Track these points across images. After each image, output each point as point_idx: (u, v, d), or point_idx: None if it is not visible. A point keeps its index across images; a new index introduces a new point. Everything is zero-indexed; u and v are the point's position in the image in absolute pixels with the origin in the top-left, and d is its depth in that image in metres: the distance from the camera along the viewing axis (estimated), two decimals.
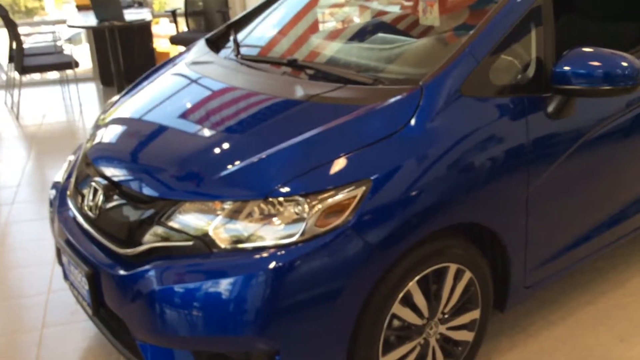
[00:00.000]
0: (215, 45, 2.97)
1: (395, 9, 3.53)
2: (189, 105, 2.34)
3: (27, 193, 4.25)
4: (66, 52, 6.54)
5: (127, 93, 2.73)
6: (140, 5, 7.15)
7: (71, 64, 6.05)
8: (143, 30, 6.80)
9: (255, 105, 2.19)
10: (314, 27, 3.19)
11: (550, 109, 2.21)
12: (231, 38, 2.92)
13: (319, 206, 1.80)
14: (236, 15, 7.21)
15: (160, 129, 2.24)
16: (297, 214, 1.81)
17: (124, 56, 6.39)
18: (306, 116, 2.07)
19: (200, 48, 2.93)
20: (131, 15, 6.34)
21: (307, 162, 1.87)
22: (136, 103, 2.52)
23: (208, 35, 3.10)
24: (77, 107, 6.25)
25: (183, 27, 7.27)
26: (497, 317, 2.51)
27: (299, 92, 2.18)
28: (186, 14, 7.10)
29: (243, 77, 2.42)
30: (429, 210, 1.93)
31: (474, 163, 2.02)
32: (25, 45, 6.26)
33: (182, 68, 2.69)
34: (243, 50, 2.79)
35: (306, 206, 1.80)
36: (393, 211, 1.87)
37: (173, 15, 7.02)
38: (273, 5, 3.18)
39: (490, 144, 2.07)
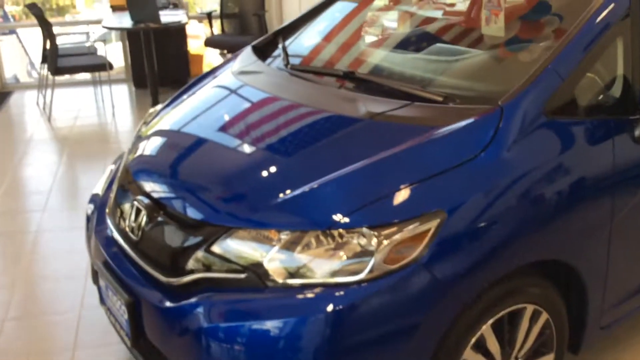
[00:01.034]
0: (262, 53, 2.80)
1: (443, 16, 3.34)
2: (239, 120, 2.16)
3: (59, 200, 4.12)
4: (99, 52, 6.44)
5: (170, 103, 2.57)
6: (176, 6, 7.02)
7: (105, 65, 5.93)
8: (178, 32, 6.67)
9: (312, 123, 2.02)
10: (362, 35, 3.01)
11: (637, 132, 2.00)
12: (280, 46, 2.75)
13: (389, 240, 1.61)
14: (272, 18, 7.10)
15: (210, 145, 2.07)
16: (363, 248, 1.62)
17: (158, 58, 6.25)
18: (370, 137, 1.88)
19: (247, 56, 2.75)
20: (167, 17, 6.21)
21: (374, 189, 1.68)
22: (181, 115, 2.36)
23: (255, 42, 2.93)
24: (109, 110, 6.13)
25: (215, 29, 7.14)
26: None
27: (361, 109, 2.00)
28: (222, 16, 6.96)
29: (295, 90, 2.24)
30: (508, 246, 1.73)
31: (556, 193, 1.82)
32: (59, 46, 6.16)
33: (228, 78, 2.52)
34: (292, 60, 2.61)
35: (374, 240, 1.61)
36: (469, 247, 1.67)
37: (209, 17, 6.88)
38: (323, 12, 3.00)
39: (574, 172, 1.87)
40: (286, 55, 2.64)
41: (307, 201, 1.70)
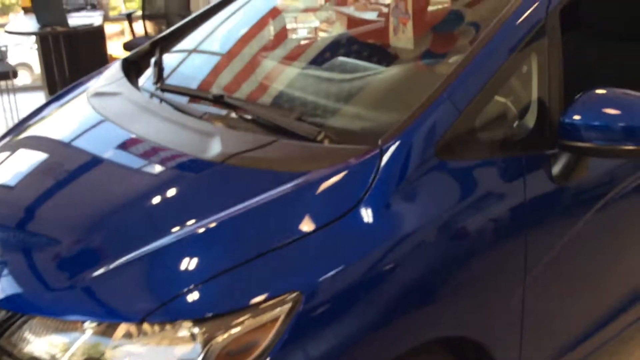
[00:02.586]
0: (137, 68, 2.36)
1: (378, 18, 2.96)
2: (60, 166, 1.71)
3: None
4: (11, 59, 5.88)
5: (8, 133, 2.11)
6: (94, 7, 6.50)
7: (8, 74, 5.39)
8: (95, 35, 6.16)
9: (146, 169, 1.60)
10: (269, 46, 2.57)
11: (555, 170, 1.64)
12: (152, 60, 2.32)
13: (223, 336, 1.21)
14: None
15: (14, 201, 1.63)
16: (187, 346, 1.22)
17: (73, 64, 5.75)
18: (215, 189, 1.47)
19: (113, 72, 2.32)
20: (79, 19, 5.70)
21: (203, 267, 1.28)
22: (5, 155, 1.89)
23: (129, 54, 2.49)
24: (13, 121, 5.59)
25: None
26: None
27: (214, 148, 1.58)
28: (143, 18, 6.46)
29: (146, 121, 1.80)
30: (394, 327, 1.35)
31: (451, 256, 1.45)
32: None
33: (78, 102, 2.07)
34: (168, 79, 2.18)
35: (202, 337, 1.21)
36: (336, 334, 1.28)
37: (128, 19, 6.37)
38: (217, 16, 2.56)
39: (475, 226, 1.49)
40: (158, 71, 2.21)
41: (116, 284, 1.28)
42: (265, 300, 1.23)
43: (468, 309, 1.49)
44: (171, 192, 1.49)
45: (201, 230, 1.32)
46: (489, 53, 1.57)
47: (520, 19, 1.62)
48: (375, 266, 1.33)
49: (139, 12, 6.46)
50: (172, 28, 2.57)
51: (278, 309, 1.23)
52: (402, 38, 2.30)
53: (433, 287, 1.41)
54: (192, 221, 1.34)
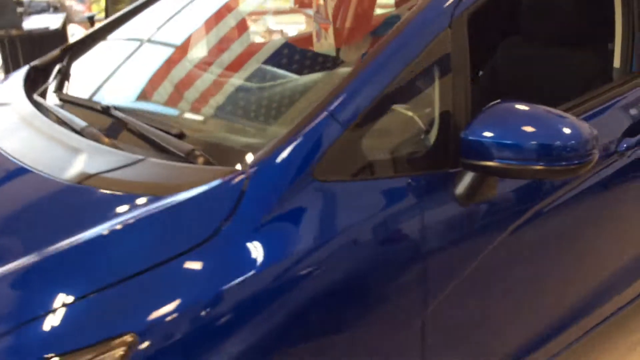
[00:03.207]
0: (45, 75, 2.21)
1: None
2: None
3: None
4: None
5: None
6: (57, 9, 6.35)
7: None
8: (54, 38, 5.99)
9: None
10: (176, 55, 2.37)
11: (459, 190, 1.49)
12: (57, 67, 2.17)
13: None
14: None
15: None
16: None
17: None
18: (61, 214, 1.32)
19: (14, 80, 2.17)
20: (38, 22, 5.55)
21: (18, 307, 1.12)
22: None
23: (37, 60, 2.33)
24: None
25: None
26: None
27: (75, 168, 1.42)
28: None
29: (20, 135, 1.65)
30: None
31: (329, 292, 1.30)
32: None
33: None
34: (69, 88, 2.03)
35: None
36: None
37: (90, 21, 6.21)
38: (133, 20, 2.40)
39: (360, 257, 1.34)
40: (60, 80, 2.07)
41: None
42: (94, 344, 1.08)
43: (346, 351, 1.34)
44: (11, 218, 1.33)
45: (30, 264, 1.16)
46: (381, 64, 1.42)
47: (419, 27, 1.48)
48: (231, 300, 1.18)
49: (102, 15, 6.31)
50: (87, 32, 2.42)
51: (108, 353, 1.08)
52: (324, 45, 2.17)
53: (301, 331, 1.26)
54: (24, 253, 1.18)
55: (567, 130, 1.41)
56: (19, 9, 5.61)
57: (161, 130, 1.52)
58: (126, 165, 1.38)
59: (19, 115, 1.78)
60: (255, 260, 1.21)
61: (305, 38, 2.30)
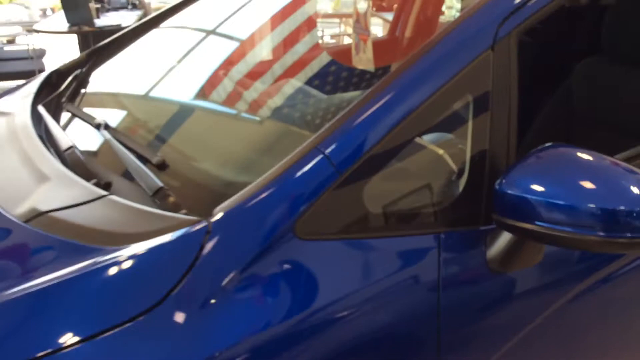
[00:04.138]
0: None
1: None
2: None
3: None
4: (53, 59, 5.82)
5: None
6: (135, 7, 6.37)
7: (34, 72, 5.29)
8: None
9: None
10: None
11: (491, 252, 1.19)
12: (74, 73, 2.00)
13: None
14: None
15: None
16: None
17: None
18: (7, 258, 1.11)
19: (32, 85, 2.02)
20: (114, 18, 5.56)
21: None
22: None
23: (62, 65, 2.18)
24: None
25: None
26: None
27: (32, 201, 1.21)
28: None
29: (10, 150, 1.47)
30: None
31: None
32: None
33: None
34: (82, 99, 1.85)
35: None
36: None
37: None
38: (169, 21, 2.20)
39: (348, 341, 1.07)
40: (74, 89, 1.90)
41: None
42: None
43: None
44: None
45: None
46: (399, 91, 1.14)
47: (453, 48, 1.18)
48: None
49: None
50: (116, 35, 2.25)
51: None
52: (363, 59, 1.89)
53: None
54: None
55: (636, 191, 1.08)
56: (97, 5, 5.64)
57: (143, 158, 1.30)
58: (83, 203, 1.16)
59: (10, 128, 1.61)
60: (207, 339, 0.96)
61: (345, 50, 2.03)
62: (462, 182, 1.18)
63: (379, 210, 1.12)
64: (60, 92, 1.90)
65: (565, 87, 2.21)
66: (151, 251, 1.00)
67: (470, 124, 1.19)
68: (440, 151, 1.20)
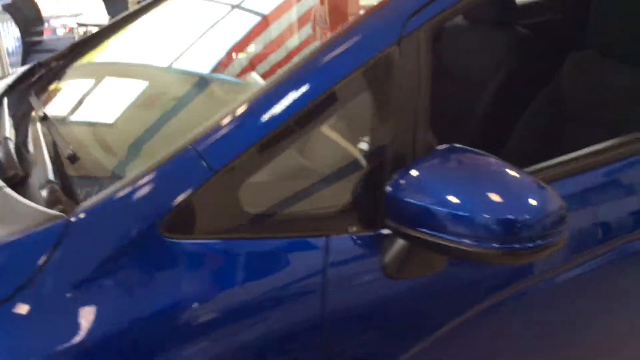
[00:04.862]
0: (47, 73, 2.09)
1: None
2: None
3: None
4: None
5: None
6: None
7: None
8: None
9: None
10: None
11: (387, 258, 1.13)
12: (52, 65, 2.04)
13: None
14: None
15: None
16: None
17: None
18: None
19: (10, 77, 2.08)
20: None
21: None
22: None
23: (47, 58, 2.22)
24: None
25: None
26: None
27: None
28: None
29: None
30: None
31: None
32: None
33: None
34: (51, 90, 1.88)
35: None
36: None
37: None
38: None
39: (218, 343, 1.04)
40: (45, 80, 1.94)
41: None
42: None
43: None
44: None
45: None
46: (284, 90, 1.10)
47: (351, 45, 1.13)
48: None
49: None
50: (102, 27, 2.27)
51: None
52: None
53: None
54: None
55: (532, 201, 1.00)
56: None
57: (56, 150, 1.31)
58: None
59: None
60: (54, 336, 0.96)
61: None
62: (358, 182, 1.13)
63: (259, 211, 1.08)
64: (30, 83, 1.94)
65: (556, 81, 2.09)
66: (9, 245, 1.00)
67: (369, 121, 1.14)
68: (334, 149, 1.15)
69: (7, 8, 6.01)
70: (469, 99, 2.48)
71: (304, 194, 1.12)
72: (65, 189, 1.13)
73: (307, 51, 1.16)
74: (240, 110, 1.08)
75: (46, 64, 2.12)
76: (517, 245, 0.99)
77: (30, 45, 5.59)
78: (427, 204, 1.02)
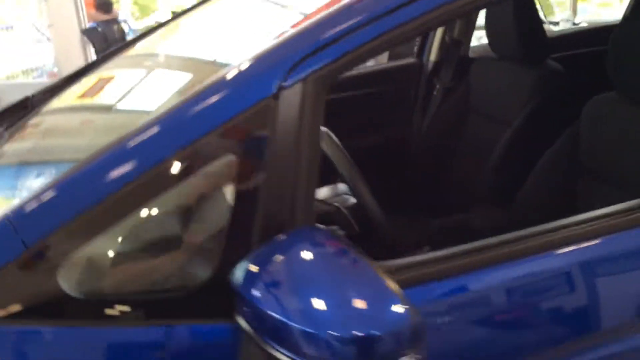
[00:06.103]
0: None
1: None
2: None
3: None
4: None
5: None
6: None
7: None
8: None
9: None
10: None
11: (245, 354, 0.93)
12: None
13: None
14: None
15: None
16: None
17: None
18: None
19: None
20: None
21: None
22: None
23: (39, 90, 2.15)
24: None
25: None
26: None
27: None
28: None
29: None
30: None
31: None
32: None
33: None
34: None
35: None
36: None
37: None
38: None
39: None
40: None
41: None
42: None
43: None
44: None
45: None
46: (128, 151, 0.93)
47: (219, 99, 0.96)
48: None
49: None
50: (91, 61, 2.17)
51: None
52: None
53: None
54: None
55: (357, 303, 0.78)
56: None
57: None
58: None
59: None
60: None
61: None
62: (212, 261, 0.94)
63: (83, 293, 0.92)
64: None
65: (574, 127, 1.79)
66: None
67: (232, 185, 0.95)
68: (184, 222, 0.97)
69: (86, 32, 6.15)
70: (491, 138, 2.22)
71: (141, 273, 0.94)
72: None
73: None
74: (69, 173, 0.92)
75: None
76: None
77: None
78: (253, 300, 0.83)
